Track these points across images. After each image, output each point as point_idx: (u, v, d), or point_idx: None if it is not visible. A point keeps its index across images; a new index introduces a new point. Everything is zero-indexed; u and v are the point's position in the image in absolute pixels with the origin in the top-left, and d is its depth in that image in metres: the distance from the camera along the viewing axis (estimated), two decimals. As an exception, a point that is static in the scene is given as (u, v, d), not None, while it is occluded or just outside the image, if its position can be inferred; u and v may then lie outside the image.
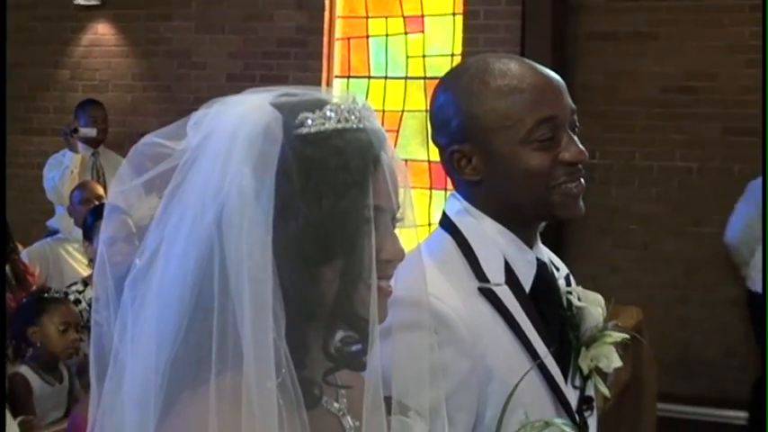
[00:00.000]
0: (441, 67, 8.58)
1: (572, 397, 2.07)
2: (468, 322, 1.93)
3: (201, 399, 1.42)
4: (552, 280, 2.14)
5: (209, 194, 1.46)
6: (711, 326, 7.73)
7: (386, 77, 8.78)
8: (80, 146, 7.96)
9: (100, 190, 6.92)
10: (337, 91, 1.59)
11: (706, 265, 7.75)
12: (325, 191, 1.48)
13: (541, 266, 2.11)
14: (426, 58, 8.64)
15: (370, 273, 1.50)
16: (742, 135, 7.62)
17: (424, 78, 8.66)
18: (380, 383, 1.53)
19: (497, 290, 2.00)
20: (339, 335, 1.56)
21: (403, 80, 8.72)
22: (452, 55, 8.51)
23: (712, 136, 7.70)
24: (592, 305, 2.11)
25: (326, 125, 1.50)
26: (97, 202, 6.61)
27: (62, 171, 7.75)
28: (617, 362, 2.10)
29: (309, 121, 1.50)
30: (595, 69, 7.93)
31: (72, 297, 5.30)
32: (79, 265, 6.34)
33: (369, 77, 8.84)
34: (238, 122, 1.48)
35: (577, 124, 2.11)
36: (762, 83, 6.83)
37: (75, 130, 7.94)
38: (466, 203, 2.09)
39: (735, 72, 7.64)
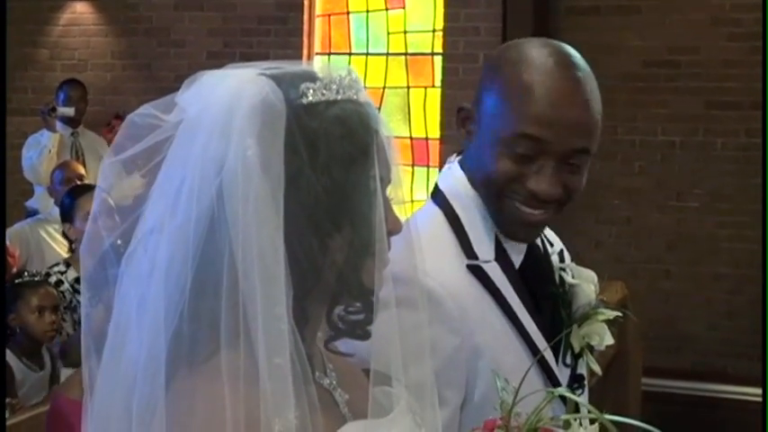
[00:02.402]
0: (422, 44, 8.56)
1: (563, 375, 2.05)
2: (456, 299, 1.91)
3: (211, 375, 1.41)
4: (543, 257, 2.12)
5: (209, 166, 1.44)
6: (695, 300, 7.74)
7: (367, 54, 8.75)
8: (59, 126, 7.91)
9: (81, 170, 6.89)
10: (318, 64, 1.56)
11: (689, 240, 7.76)
12: (332, 161, 1.47)
13: (532, 244, 2.09)
14: (408, 35, 8.61)
15: (375, 243, 1.51)
16: (724, 109, 7.62)
17: (406, 54, 8.63)
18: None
19: (486, 267, 1.97)
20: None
21: (384, 56, 8.69)
22: (434, 31, 8.48)
23: (694, 110, 7.69)
24: (584, 282, 2.09)
25: (327, 96, 1.49)
26: (79, 182, 6.57)
27: (40, 151, 7.71)
28: (609, 339, 2.08)
29: (311, 92, 1.49)
30: (577, 44, 7.75)
31: (54, 278, 5.28)
32: (60, 247, 6.30)
33: (350, 54, 8.80)
34: (235, 94, 1.46)
35: (575, 162, 1.99)
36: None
37: (53, 110, 7.90)
38: (460, 175, 2.06)
39: (717, 46, 7.63)
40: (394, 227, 1.55)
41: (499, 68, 2.02)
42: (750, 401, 7.16)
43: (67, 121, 7.97)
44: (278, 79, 1.49)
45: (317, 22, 8.82)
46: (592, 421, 1.65)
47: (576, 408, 1.85)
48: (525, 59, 2.00)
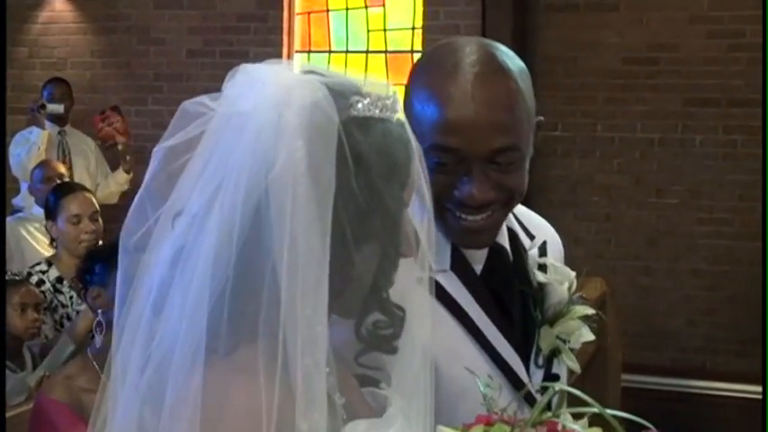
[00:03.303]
0: (402, 41, 8.56)
1: (537, 376, 2.01)
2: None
3: (245, 368, 1.42)
4: (516, 256, 2.06)
5: (258, 164, 1.44)
6: (674, 296, 7.77)
7: (347, 52, 8.75)
8: (47, 124, 7.89)
9: (61, 168, 6.87)
10: (362, 79, 1.57)
11: (668, 236, 7.79)
12: (376, 176, 1.49)
13: (494, 248, 2.02)
14: (387, 32, 8.61)
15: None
16: (703, 106, 7.65)
17: (386, 52, 8.63)
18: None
19: (439, 277, 1.85)
20: (372, 317, 1.58)
21: (364, 54, 8.69)
22: (413, 28, 8.48)
23: (673, 107, 7.72)
24: (557, 280, 2.04)
25: (373, 112, 1.51)
26: (59, 181, 6.56)
27: (29, 148, 7.68)
28: (588, 335, 2.04)
29: (360, 105, 1.50)
30: (556, 41, 7.93)
31: (35, 278, 5.26)
32: (41, 245, 6.28)
33: (329, 52, 8.80)
34: (285, 93, 1.47)
35: (503, 161, 1.88)
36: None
37: (43, 107, 7.87)
38: None
39: (696, 43, 7.65)
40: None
41: (410, 76, 1.97)
42: (729, 397, 7.20)
43: (55, 119, 7.94)
44: (331, 87, 1.49)
45: (297, 20, 8.81)
46: (580, 416, 1.64)
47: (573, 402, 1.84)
48: (429, 64, 1.93)
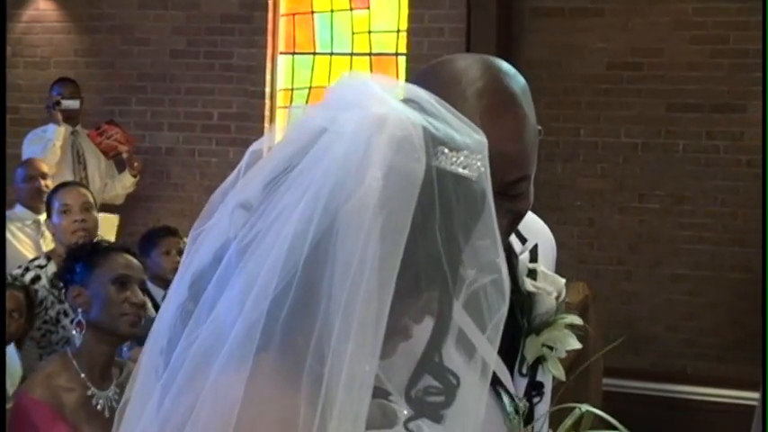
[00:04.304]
0: (387, 44, 8.57)
1: (520, 384, 1.99)
2: None
3: (285, 385, 1.41)
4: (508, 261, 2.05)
5: (338, 189, 1.41)
6: (655, 301, 7.79)
7: (331, 54, 8.74)
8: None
9: (44, 167, 6.85)
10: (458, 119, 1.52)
11: (650, 241, 7.81)
12: (441, 230, 1.45)
13: None
14: (372, 35, 8.61)
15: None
16: (686, 111, 7.67)
17: (370, 55, 8.63)
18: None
19: None
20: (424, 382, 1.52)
21: (348, 56, 8.69)
22: (398, 31, 8.48)
23: (657, 112, 7.74)
24: (549, 287, 2.02)
25: (458, 169, 1.47)
26: (42, 180, 6.55)
27: (44, 144, 7.64)
28: (574, 344, 2.01)
29: (445, 158, 1.46)
30: (541, 45, 7.94)
31: (32, 273, 5.22)
32: (23, 246, 6.26)
33: (314, 54, 8.80)
34: (380, 122, 1.43)
35: (515, 193, 1.91)
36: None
37: (58, 103, 7.83)
38: None
39: (679, 48, 7.68)
40: None
41: None
42: (709, 401, 7.23)
43: (66, 119, 7.90)
44: (426, 121, 1.46)
45: (282, 22, 8.81)
46: None
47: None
48: (431, 89, 1.74)
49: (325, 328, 1.40)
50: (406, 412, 1.55)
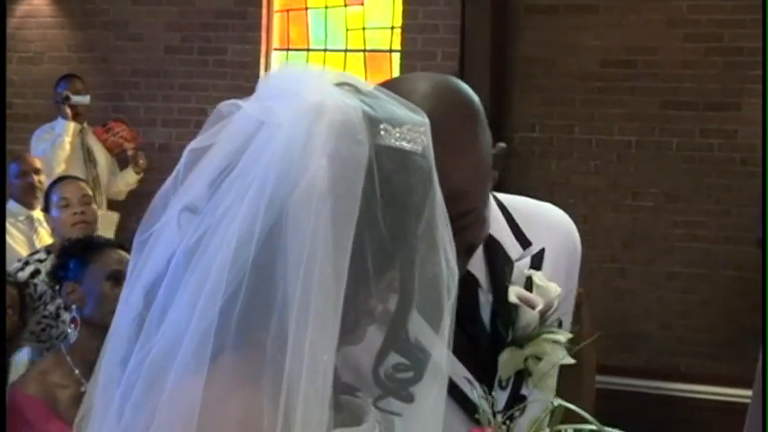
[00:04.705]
0: (381, 40, 8.56)
1: (500, 397, 1.88)
2: None
3: (246, 380, 1.40)
4: (473, 282, 1.92)
5: (283, 178, 1.40)
6: (649, 299, 7.79)
7: (325, 50, 8.74)
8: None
9: (37, 163, 6.83)
10: (394, 97, 1.52)
11: (644, 239, 7.81)
12: (395, 209, 1.44)
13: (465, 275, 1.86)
14: (366, 31, 8.61)
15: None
16: (680, 109, 7.68)
17: (364, 51, 8.62)
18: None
19: None
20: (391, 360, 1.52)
21: (342, 53, 8.68)
22: (392, 28, 8.48)
23: (651, 110, 7.74)
24: (541, 296, 1.89)
25: (402, 144, 1.46)
26: (35, 175, 6.54)
27: (53, 140, 7.60)
28: (564, 359, 1.89)
29: (388, 135, 1.46)
30: (536, 43, 7.94)
31: (31, 268, 5.19)
32: (16, 242, 6.25)
33: (308, 50, 8.79)
34: (318, 109, 1.42)
35: (466, 223, 1.76)
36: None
37: (68, 98, 7.78)
38: None
39: (673, 46, 7.68)
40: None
41: None
42: (702, 399, 7.23)
43: (74, 115, 7.85)
44: (363, 104, 1.45)
45: (275, 18, 8.80)
46: None
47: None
48: None
49: (282, 321, 1.39)
50: (374, 410, 1.54)
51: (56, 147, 7.57)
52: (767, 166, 6.48)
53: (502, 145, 1.91)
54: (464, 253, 1.79)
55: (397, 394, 1.52)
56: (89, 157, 7.73)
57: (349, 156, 1.41)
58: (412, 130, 1.48)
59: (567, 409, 1.69)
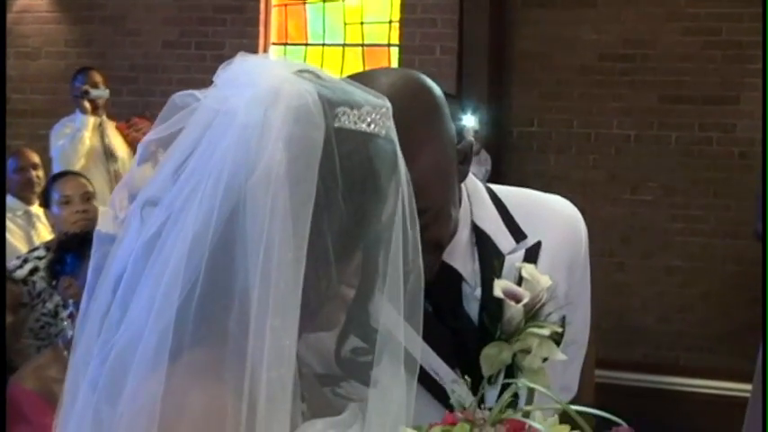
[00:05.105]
0: (379, 35, 8.55)
1: (490, 394, 1.80)
2: None
3: (208, 374, 1.39)
4: (455, 276, 1.88)
5: (240, 165, 1.39)
6: (647, 293, 7.79)
7: (323, 45, 8.73)
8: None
9: (35, 158, 6.81)
10: (355, 84, 1.50)
11: (642, 233, 7.81)
12: (358, 192, 1.43)
13: (445, 269, 1.86)
14: (364, 26, 8.60)
15: (387, 281, 1.45)
16: (678, 103, 7.67)
17: (362, 46, 8.61)
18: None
19: None
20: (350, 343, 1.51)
21: (341, 47, 8.67)
22: (390, 22, 8.47)
23: (649, 104, 7.74)
24: (529, 290, 1.83)
25: (359, 126, 1.45)
26: (33, 170, 6.52)
27: (72, 135, 7.55)
28: (554, 354, 1.82)
29: (347, 117, 1.44)
30: (534, 37, 7.93)
31: (30, 265, 5.19)
32: (15, 237, 6.24)
33: (306, 45, 8.78)
34: (274, 94, 1.41)
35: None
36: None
37: (86, 92, 7.71)
38: None
39: (672, 40, 7.67)
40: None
41: None
42: (700, 393, 7.23)
43: (92, 110, 7.78)
44: (320, 89, 1.44)
45: (273, 12, 8.79)
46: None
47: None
48: None
49: (243, 307, 1.38)
50: (355, 399, 1.53)
51: (75, 142, 7.51)
52: (767, 160, 6.50)
53: (469, 140, 1.87)
54: (432, 250, 1.75)
55: (358, 377, 1.51)
56: (109, 152, 7.69)
57: (305, 140, 1.40)
58: (372, 112, 1.47)
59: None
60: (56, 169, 7.09)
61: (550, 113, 7.78)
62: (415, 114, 1.72)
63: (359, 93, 1.48)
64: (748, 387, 4.24)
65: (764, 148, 6.66)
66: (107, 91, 7.75)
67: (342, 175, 1.42)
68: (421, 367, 1.60)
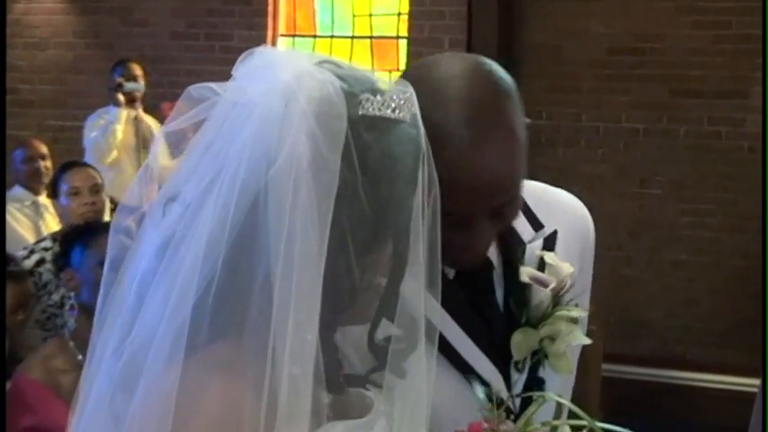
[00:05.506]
0: (387, 27, 8.54)
1: (517, 381, 1.85)
2: None
3: (226, 369, 1.38)
4: (488, 263, 1.88)
5: (260, 156, 1.38)
6: (655, 287, 7.78)
7: (332, 36, 8.72)
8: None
9: (43, 148, 6.81)
10: (378, 75, 1.50)
11: (650, 227, 7.80)
12: (383, 181, 1.41)
13: None
14: (373, 18, 8.59)
15: (418, 268, 1.45)
16: (688, 97, 7.65)
17: (371, 38, 8.60)
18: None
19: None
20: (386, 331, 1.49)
21: (349, 39, 8.66)
22: (399, 14, 8.46)
23: (658, 97, 7.72)
24: (553, 275, 1.85)
25: (383, 112, 1.43)
26: (41, 161, 6.52)
27: (104, 128, 7.54)
28: (581, 339, 1.85)
29: (370, 104, 1.43)
30: (543, 30, 7.92)
31: (37, 256, 5.18)
32: (23, 227, 6.24)
33: (314, 36, 8.77)
34: (295, 84, 1.40)
35: (505, 211, 1.72)
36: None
37: (120, 86, 7.69)
38: None
39: (681, 33, 7.65)
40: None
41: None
42: (707, 387, 7.22)
43: (127, 102, 7.76)
44: (341, 78, 1.42)
45: (282, 3, 8.78)
46: (579, 428, 1.55)
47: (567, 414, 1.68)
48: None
49: (264, 301, 1.37)
50: (383, 407, 1.51)
51: (107, 134, 7.51)
52: (767, 161, 6.48)
53: (528, 120, 1.83)
54: (496, 239, 1.80)
55: (391, 368, 1.49)
56: (143, 145, 7.67)
57: (328, 130, 1.38)
58: (396, 98, 1.46)
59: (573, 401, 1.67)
60: (88, 160, 7.05)
61: (559, 107, 7.77)
62: (508, 98, 1.71)
63: (381, 80, 1.47)
64: (755, 381, 4.23)
65: (765, 148, 6.65)
66: (142, 84, 7.73)
67: (368, 163, 1.41)
68: (441, 336, 1.61)
